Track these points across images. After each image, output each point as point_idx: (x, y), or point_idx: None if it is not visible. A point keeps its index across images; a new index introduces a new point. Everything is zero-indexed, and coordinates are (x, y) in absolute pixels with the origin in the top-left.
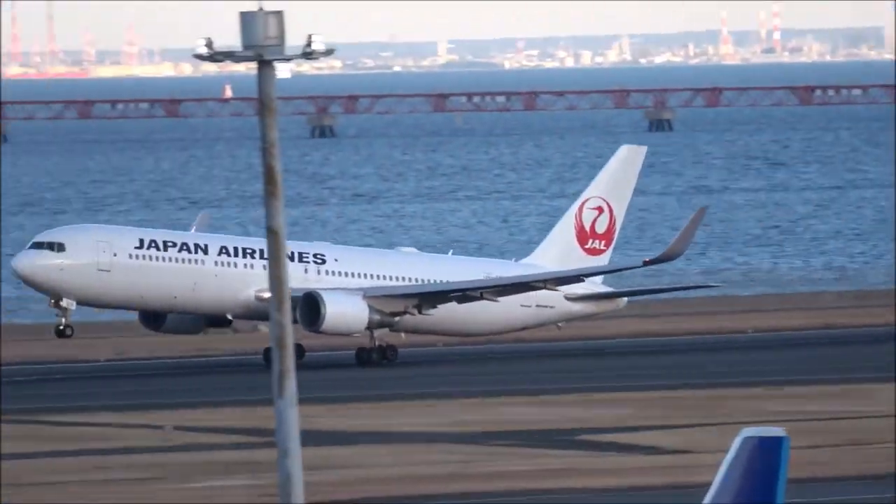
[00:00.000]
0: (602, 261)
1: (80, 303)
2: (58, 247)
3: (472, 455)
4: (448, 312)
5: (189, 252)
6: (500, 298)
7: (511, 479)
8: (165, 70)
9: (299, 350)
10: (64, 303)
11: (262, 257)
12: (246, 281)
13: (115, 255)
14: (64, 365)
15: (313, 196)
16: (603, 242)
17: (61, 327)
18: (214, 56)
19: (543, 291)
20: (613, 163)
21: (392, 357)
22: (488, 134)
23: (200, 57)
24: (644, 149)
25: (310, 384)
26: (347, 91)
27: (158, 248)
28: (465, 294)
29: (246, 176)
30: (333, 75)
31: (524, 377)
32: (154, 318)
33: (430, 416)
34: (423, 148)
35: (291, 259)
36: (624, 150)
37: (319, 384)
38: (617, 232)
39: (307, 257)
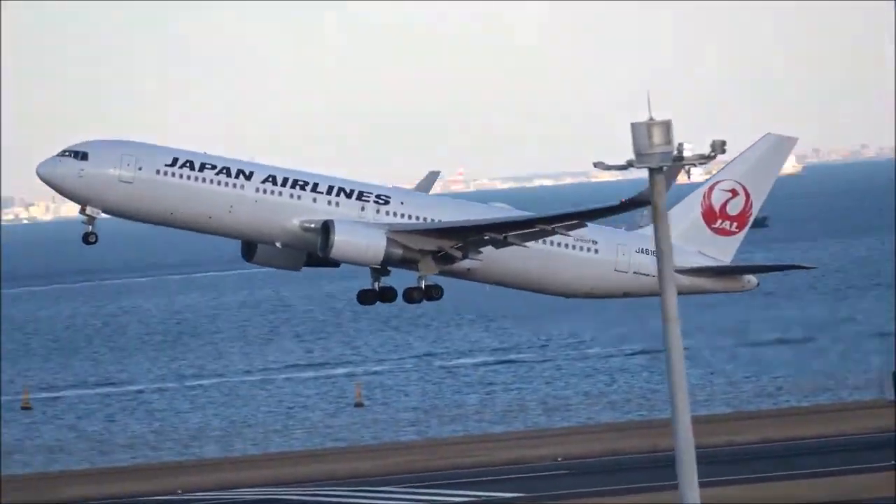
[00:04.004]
0: (733, 243)
1: (104, 211)
2: (81, 155)
3: None
4: (509, 260)
5: (228, 176)
6: (529, 244)
7: None
8: None
9: (391, 293)
10: (89, 210)
11: (313, 190)
12: (291, 210)
13: (139, 168)
14: None
15: None
16: (735, 224)
17: (86, 234)
18: (610, 167)
19: (639, 258)
20: (754, 149)
21: (437, 296)
22: None
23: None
24: (794, 139)
25: None
26: None
27: (193, 169)
28: (492, 238)
29: None
30: None
31: None
32: (248, 249)
33: None
34: None
35: (349, 196)
36: (769, 138)
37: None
38: (753, 217)
39: (368, 196)
